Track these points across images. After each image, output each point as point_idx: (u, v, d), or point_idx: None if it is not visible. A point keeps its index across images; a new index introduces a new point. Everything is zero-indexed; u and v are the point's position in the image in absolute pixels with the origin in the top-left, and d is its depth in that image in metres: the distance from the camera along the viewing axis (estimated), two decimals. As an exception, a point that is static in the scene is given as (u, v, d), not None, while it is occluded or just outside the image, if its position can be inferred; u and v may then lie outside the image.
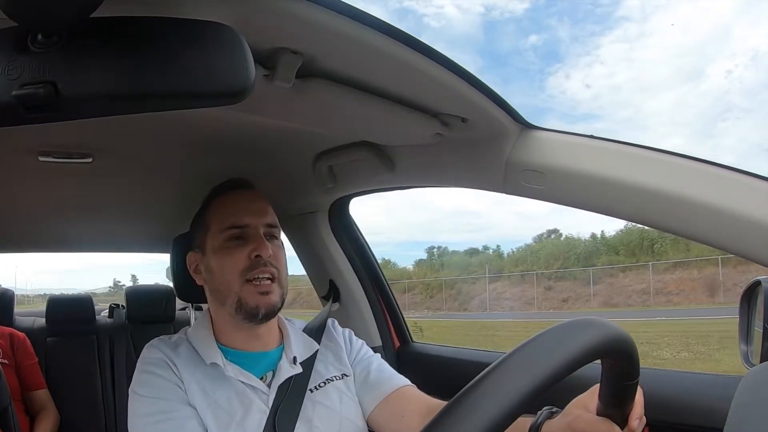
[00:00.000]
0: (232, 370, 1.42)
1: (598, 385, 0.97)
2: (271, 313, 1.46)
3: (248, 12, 0.93)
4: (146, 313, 3.48)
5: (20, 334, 3.03)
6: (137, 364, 1.44)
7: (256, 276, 1.43)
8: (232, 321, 1.47)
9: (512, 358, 0.71)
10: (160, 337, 1.51)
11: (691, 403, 1.53)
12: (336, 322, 1.73)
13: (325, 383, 1.52)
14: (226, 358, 1.44)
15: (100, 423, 3.19)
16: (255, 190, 1.58)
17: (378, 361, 1.64)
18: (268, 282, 1.44)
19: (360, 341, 1.70)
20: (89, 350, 3.33)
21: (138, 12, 0.74)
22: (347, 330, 1.72)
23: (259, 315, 1.43)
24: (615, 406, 0.97)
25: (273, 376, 1.47)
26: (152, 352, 1.44)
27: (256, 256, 1.43)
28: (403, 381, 1.58)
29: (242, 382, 1.42)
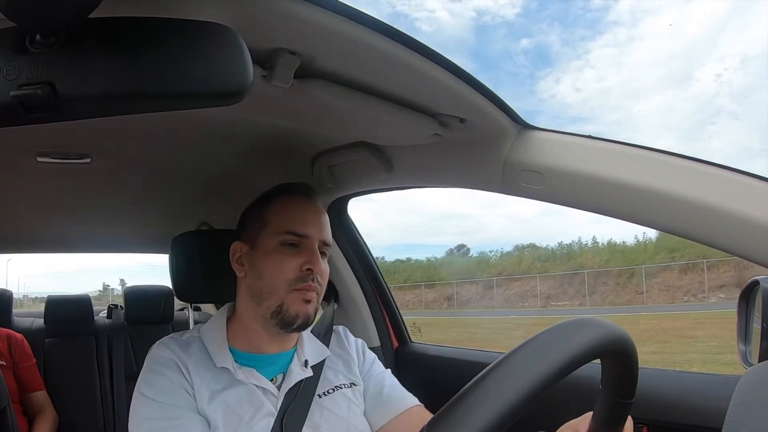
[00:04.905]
0: (242, 374, 1.41)
1: (590, 413, 0.99)
2: (305, 325, 1.46)
3: (246, 12, 0.93)
4: (145, 314, 3.48)
5: (18, 335, 3.03)
6: (146, 362, 1.42)
7: (303, 288, 1.43)
8: (263, 321, 1.45)
9: (515, 356, 0.72)
10: (172, 335, 1.49)
11: (690, 402, 1.53)
12: (348, 331, 1.72)
13: (333, 390, 1.52)
14: (237, 362, 1.42)
15: (99, 424, 3.19)
16: (319, 204, 1.55)
17: (391, 378, 1.64)
18: (313, 293, 1.45)
19: (372, 355, 1.69)
20: (88, 351, 3.33)
21: (136, 12, 0.74)
22: (360, 341, 1.71)
23: (294, 325, 1.43)
24: (606, 426, 0.97)
25: (283, 378, 1.46)
26: (163, 351, 1.41)
27: (308, 269, 1.43)
28: (415, 401, 1.58)
29: (253, 384, 1.41)
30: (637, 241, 30.94)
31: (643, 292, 27.17)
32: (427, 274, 35.03)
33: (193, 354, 1.42)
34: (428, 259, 39.58)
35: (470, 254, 40.47)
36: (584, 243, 33.22)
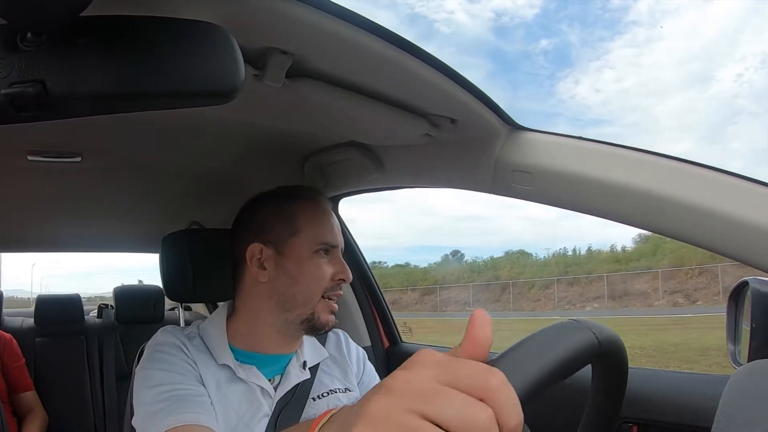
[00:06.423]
0: (243, 371, 1.39)
1: None
2: (331, 329, 1.49)
3: (238, 12, 0.93)
4: (135, 314, 3.47)
5: (7, 335, 3.01)
6: (147, 347, 1.39)
7: (332, 295, 1.45)
8: (283, 326, 1.45)
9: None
10: (173, 326, 1.47)
11: (680, 401, 1.54)
12: (349, 337, 1.71)
13: (328, 393, 1.50)
14: (237, 360, 1.41)
15: (89, 423, 3.18)
16: None
17: None
18: (336, 304, 1.47)
19: (372, 368, 1.68)
20: (78, 351, 3.33)
21: (128, 11, 0.74)
22: (361, 350, 1.70)
23: (323, 330, 1.46)
24: None
25: (281, 380, 1.45)
26: (167, 337, 1.40)
27: (340, 279, 1.45)
28: None
29: (253, 382, 1.40)
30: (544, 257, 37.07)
31: (537, 300, 31.95)
32: (383, 282, 37.03)
33: (197, 345, 1.41)
34: (389, 266, 43.19)
35: (464, 259, 42.94)
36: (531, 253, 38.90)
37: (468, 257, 42.92)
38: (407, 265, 43.78)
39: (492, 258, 40.47)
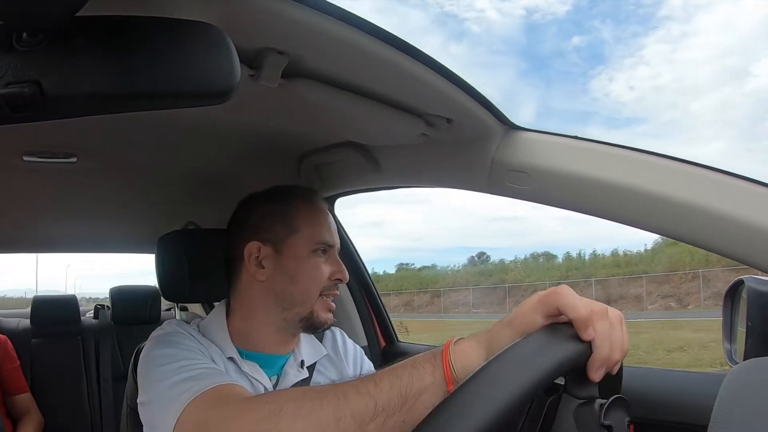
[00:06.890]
0: (247, 366, 1.39)
1: None
2: (328, 327, 1.49)
3: (234, 12, 0.93)
4: (131, 314, 3.46)
5: (2, 336, 2.99)
6: (154, 337, 1.36)
7: (329, 294, 1.45)
8: (281, 324, 1.44)
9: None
10: (176, 319, 1.46)
11: (677, 400, 1.54)
12: (346, 336, 1.70)
13: None
14: (241, 357, 1.40)
15: (86, 424, 3.17)
16: None
17: None
18: (333, 303, 1.48)
19: (370, 365, 1.68)
20: (74, 352, 3.32)
21: (123, 11, 0.74)
22: (359, 349, 1.69)
23: (321, 328, 1.47)
24: None
25: (277, 380, 1.45)
26: (173, 327, 1.38)
27: (337, 279, 1.45)
28: None
29: (256, 379, 1.39)
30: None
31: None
32: (398, 284, 39.34)
33: (201, 338, 1.40)
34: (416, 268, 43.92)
35: (490, 261, 43.35)
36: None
37: (494, 259, 43.37)
38: (434, 266, 44.12)
39: (501, 261, 41.02)
